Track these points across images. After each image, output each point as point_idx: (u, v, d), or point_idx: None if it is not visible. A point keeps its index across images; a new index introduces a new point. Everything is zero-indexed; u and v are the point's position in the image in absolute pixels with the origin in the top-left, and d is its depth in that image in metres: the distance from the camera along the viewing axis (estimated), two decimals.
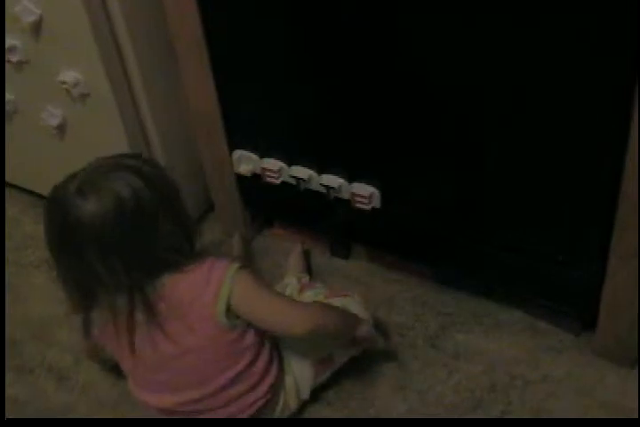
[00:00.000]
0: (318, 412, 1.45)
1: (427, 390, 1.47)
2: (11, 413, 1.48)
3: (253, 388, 1.34)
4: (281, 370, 1.38)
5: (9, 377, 1.56)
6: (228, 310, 1.25)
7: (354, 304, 1.48)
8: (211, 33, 1.46)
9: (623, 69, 1.12)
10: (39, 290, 1.75)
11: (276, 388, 1.37)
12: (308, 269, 1.70)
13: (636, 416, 1.39)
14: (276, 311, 1.29)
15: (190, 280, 1.24)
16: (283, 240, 1.77)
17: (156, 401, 1.36)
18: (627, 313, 1.38)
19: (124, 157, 1.27)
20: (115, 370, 1.48)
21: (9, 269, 1.79)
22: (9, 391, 1.54)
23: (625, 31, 1.09)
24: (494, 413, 1.43)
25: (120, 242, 1.18)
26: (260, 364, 1.34)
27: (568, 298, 1.46)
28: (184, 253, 1.26)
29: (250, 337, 1.31)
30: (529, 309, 1.58)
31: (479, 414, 1.43)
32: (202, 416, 1.35)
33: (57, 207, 1.20)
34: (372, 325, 1.46)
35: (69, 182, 1.21)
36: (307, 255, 1.73)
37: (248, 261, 1.65)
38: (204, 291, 1.24)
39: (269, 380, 1.36)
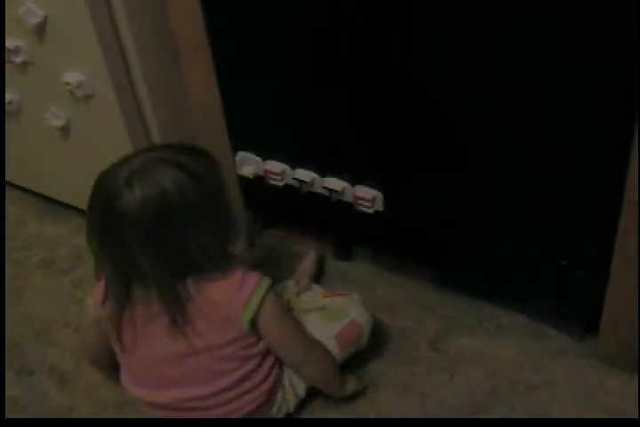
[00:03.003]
0: (320, 414, 1.45)
1: (428, 393, 1.47)
2: (11, 414, 1.48)
3: (256, 387, 1.35)
4: (281, 370, 1.39)
5: (10, 378, 1.56)
6: (253, 322, 1.29)
7: (353, 304, 1.48)
8: (214, 34, 1.47)
9: (626, 73, 1.12)
10: (41, 291, 1.75)
11: (276, 387, 1.38)
12: (319, 275, 1.69)
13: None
14: (291, 348, 1.35)
15: (223, 283, 1.27)
16: (285, 242, 1.77)
17: (157, 396, 1.35)
18: (629, 318, 1.37)
19: (177, 150, 1.26)
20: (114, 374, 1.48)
21: (12, 270, 1.79)
22: (9, 393, 1.53)
23: (628, 39, 1.09)
24: (495, 416, 1.42)
25: (160, 235, 1.20)
26: (266, 365, 1.35)
27: (570, 302, 1.46)
28: (219, 256, 1.27)
29: (263, 343, 1.33)
30: (531, 313, 1.57)
31: (480, 417, 1.42)
32: (196, 413, 1.35)
33: (104, 195, 1.21)
34: (371, 327, 1.47)
35: (119, 170, 1.21)
36: (321, 261, 1.73)
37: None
38: (236, 295, 1.27)
39: (272, 380, 1.36)
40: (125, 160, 1.23)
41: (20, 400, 1.53)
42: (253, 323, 1.29)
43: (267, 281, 1.30)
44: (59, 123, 1.66)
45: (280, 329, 1.33)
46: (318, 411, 1.45)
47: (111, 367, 1.44)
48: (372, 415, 1.45)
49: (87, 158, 1.71)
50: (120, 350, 1.34)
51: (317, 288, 1.58)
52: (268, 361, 1.35)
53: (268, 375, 1.36)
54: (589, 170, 1.26)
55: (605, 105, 1.18)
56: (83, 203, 1.84)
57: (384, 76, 1.34)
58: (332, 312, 1.46)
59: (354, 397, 1.47)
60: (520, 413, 1.42)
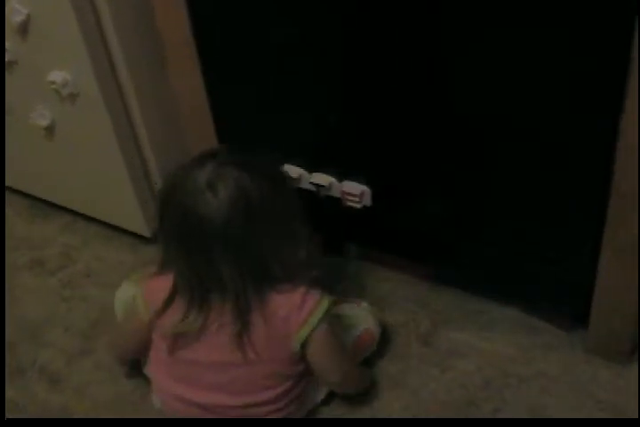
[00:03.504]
0: (313, 411, 1.44)
1: (420, 387, 1.47)
2: (6, 414, 1.47)
3: (286, 406, 1.35)
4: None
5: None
6: (303, 343, 1.28)
7: (365, 313, 1.49)
8: (200, 33, 1.46)
9: (613, 67, 1.12)
10: (31, 292, 1.74)
11: (303, 404, 1.40)
12: None
13: (629, 412, 1.39)
14: (332, 369, 1.35)
15: (288, 298, 1.26)
16: None
17: (196, 395, 1.33)
18: (618, 309, 1.38)
19: (252, 157, 1.25)
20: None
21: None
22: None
23: (614, 33, 1.09)
24: (488, 410, 1.42)
25: (244, 242, 1.18)
26: (299, 389, 1.36)
27: (561, 295, 1.46)
28: (295, 271, 1.26)
29: (303, 364, 1.33)
30: (522, 306, 1.57)
31: (473, 412, 1.42)
32: (228, 415, 1.34)
33: (183, 200, 1.18)
34: (379, 333, 1.49)
35: (196, 173, 1.19)
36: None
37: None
38: (297, 313, 1.26)
39: (297, 402, 1.37)
40: (197, 164, 1.21)
41: (13, 401, 1.52)
42: (303, 344, 1.29)
43: (326, 302, 1.29)
44: (44, 122, 1.65)
45: (328, 353, 1.33)
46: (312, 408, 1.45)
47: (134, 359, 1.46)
48: (365, 411, 1.45)
49: (74, 157, 1.71)
50: (167, 351, 1.32)
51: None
52: (302, 383, 1.36)
53: (297, 397, 1.36)
54: (578, 163, 1.26)
55: (593, 98, 1.18)
56: (70, 202, 1.87)
57: (371, 71, 1.34)
58: (347, 321, 1.46)
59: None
60: (512, 406, 1.43)
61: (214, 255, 1.18)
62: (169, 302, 1.27)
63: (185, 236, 1.20)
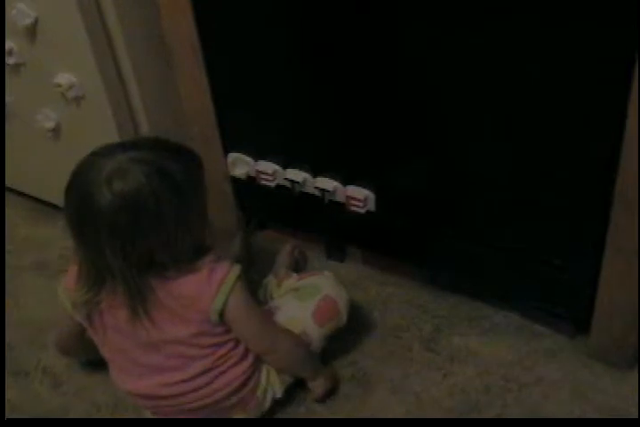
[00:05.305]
0: (315, 414, 1.45)
1: (422, 392, 1.47)
2: (7, 415, 1.47)
3: (234, 365, 1.36)
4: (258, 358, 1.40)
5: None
6: (221, 313, 1.30)
7: (324, 281, 1.49)
8: (206, 35, 1.47)
9: (618, 67, 1.13)
10: (34, 293, 1.75)
11: (255, 367, 1.39)
12: (300, 270, 1.69)
13: (630, 417, 1.39)
14: (257, 336, 1.36)
15: (192, 278, 1.28)
16: (277, 243, 1.77)
17: (144, 386, 1.36)
18: (621, 315, 1.38)
19: (159, 149, 1.27)
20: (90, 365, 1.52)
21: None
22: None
23: (619, 34, 1.09)
24: (489, 416, 1.42)
25: (129, 233, 1.21)
26: (242, 347, 1.36)
27: (563, 300, 1.46)
28: (185, 257, 1.28)
29: (230, 333, 1.34)
30: (524, 311, 1.58)
31: (474, 417, 1.42)
32: (187, 400, 1.35)
33: (84, 188, 1.22)
34: (348, 302, 1.48)
35: (102, 165, 1.21)
36: (302, 254, 1.73)
37: (246, 263, 1.65)
38: (205, 289, 1.28)
39: (250, 360, 1.37)
40: (109, 154, 1.24)
41: (15, 402, 1.52)
42: (222, 314, 1.30)
43: (235, 271, 1.31)
44: (50, 124, 1.66)
45: (247, 318, 1.33)
46: (312, 411, 1.45)
47: (85, 358, 1.51)
48: (366, 415, 1.45)
49: (78, 159, 1.71)
50: (97, 341, 1.36)
51: (294, 275, 1.58)
52: (242, 344, 1.36)
53: (244, 356, 1.36)
54: (581, 167, 1.27)
55: (598, 98, 1.18)
56: None
57: (375, 75, 1.35)
58: (304, 291, 1.47)
59: (344, 396, 1.47)
60: (514, 411, 1.43)
61: (102, 244, 1.21)
62: (77, 283, 1.30)
63: (80, 221, 1.24)
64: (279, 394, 1.42)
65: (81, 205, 1.23)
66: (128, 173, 1.20)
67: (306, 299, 1.46)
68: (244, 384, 1.37)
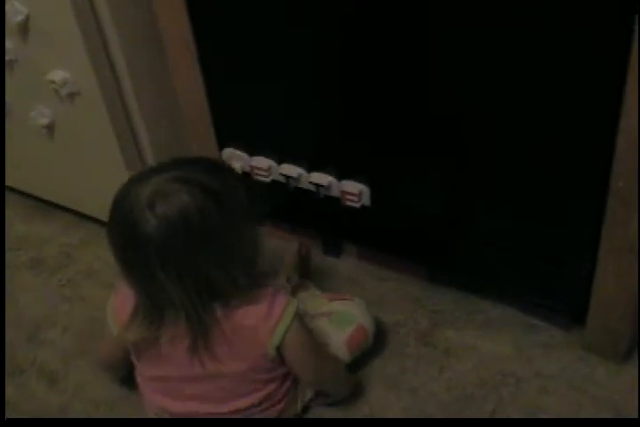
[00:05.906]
0: (312, 411, 1.45)
1: (419, 387, 1.47)
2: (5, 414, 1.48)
3: (272, 406, 1.36)
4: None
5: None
6: (278, 347, 1.28)
7: (358, 309, 1.49)
8: (200, 32, 1.46)
9: (611, 68, 1.13)
10: (30, 291, 1.75)
11: (290, 403, 1.40)
12: (306, 269, 1.69)
13: (627, 410, 1.39)
14: (310, 368, 1.35)
15: (254, 309, 1.25)
16: (273, 239, 1.77)
17: (178, 407, 1.34)
18: (616, 308, 1.38)
19: (199, 168, 1.21)
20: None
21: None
22: None
23: (613, 34, 1.09)
24: (486, 409, 1.42)
25: (179, 255, 1.16)
26: (285, 386, 1.36)
27: (558, 293, 1.46)
28: (247, 283, 1.24)
29: (284, 367, 1.34)
30: (520, 305, 1.58)
31: (471, 411, 1.42)
32: (222, 417, 1.35)
33: (126, 219, 1.17)
34: (375, 328, 1.49)
35: (139, 191, 1.17)
36: (306, 253, 1.72)
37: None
38: (264, 324, 1.26)
39: (288, 399, 1.38)
40: (144, 178, 1.19)
41: (12, 400, 1.52)
42: (279, 348, 1.28)
43: (294, 305, 1.28)
44: (44, 121, 1.65)
45: (301, 352, 1.32)
46: (308, 408, 1.45)
47: (125, 373, 1.46)
48: (364, 411, 1.45)
49: (73, 157, 1.71)
50: (138, 364, 1.34)
51: (313, 289, 1.58)
52: (287, 383, 1.36)
53: (285, 395, 1.37)
54: (576, 163, 1.26)
55: (592, 98, 1.18)
56: (70, 201, 1.87)
57: (369, 70, 1.34)
58: (339, 318, 1.47)
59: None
60: (510, 405, 1.43)
61: (157, 273, 1.17)
62: (131, 318, 1.26)
63: (128, 252, 1.19)
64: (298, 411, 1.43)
65: (126, 236, 1.18)
66: (169, 194, 1.15)
67: (340, 327, 1.45)
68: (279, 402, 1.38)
